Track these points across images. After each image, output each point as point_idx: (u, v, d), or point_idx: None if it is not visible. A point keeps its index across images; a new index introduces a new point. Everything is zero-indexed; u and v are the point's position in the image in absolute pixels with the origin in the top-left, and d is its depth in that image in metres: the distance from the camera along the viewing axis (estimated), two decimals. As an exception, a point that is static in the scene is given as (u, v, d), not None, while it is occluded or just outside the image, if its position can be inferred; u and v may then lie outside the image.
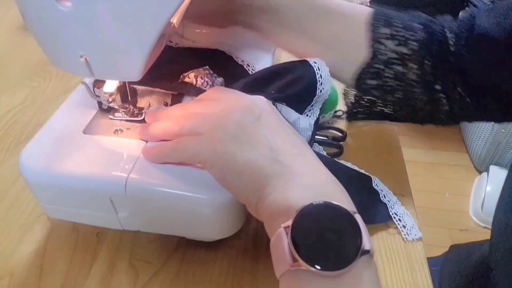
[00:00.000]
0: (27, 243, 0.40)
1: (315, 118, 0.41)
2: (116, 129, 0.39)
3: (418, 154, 1.71)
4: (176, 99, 0.41)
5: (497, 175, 1.45)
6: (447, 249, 0.64)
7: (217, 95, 0.35)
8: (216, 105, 0.34)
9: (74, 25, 0.30)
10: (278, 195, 0.28)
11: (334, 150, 0.49)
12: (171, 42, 0.47)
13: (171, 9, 0.29)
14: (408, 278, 0.37)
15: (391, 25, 0.41)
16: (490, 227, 0.43)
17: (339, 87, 0.54)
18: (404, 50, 0.40)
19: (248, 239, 0.40)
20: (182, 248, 0.39)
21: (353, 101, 0.46)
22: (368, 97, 0.43)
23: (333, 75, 0.45)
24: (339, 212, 0.26)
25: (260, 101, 0.34)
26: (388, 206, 0.41)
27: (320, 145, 0.49)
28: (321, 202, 0.26)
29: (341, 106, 0.54)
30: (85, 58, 0.32)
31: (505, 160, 1.52)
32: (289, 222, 0.26)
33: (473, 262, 0.54)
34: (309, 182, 0.29)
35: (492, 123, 1.48)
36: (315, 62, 0.41)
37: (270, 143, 0.30)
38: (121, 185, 0.34)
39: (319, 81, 0.40)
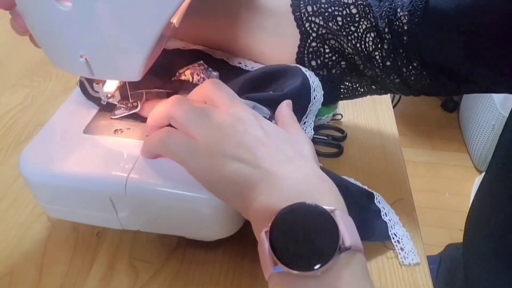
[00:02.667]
0: (27, 242, 0.40)
1: (310, 131, 0.40)
2: (116, 129, 0.39)
3: (418, 154, 1.71)
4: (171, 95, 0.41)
5: (497, 175, 1.45)
6: (446, 249, 0.65)
7: (212, 92, 0.35)
8: (208, 102, 0.34)
9: (74, 25, 0.30)
10: (262, 200, 0.29)
11: (334, 150, 0.49)
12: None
13: (171, 9, 0.29)
14: (408, 277, 0.37)
15: (315, 3, 0.41)
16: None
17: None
18: (332, 25, 0.41)
19: (247, 238, 0.40)
20: (182, 248, 0.39)
21: None
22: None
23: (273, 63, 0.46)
24: (316, 211, 0.26)
25: (245, 114, 0.34)
26: (388, 226, 0.40)
27: (319, 145, 0.49)
28: (299, 202, 0.26)
29: (340, 109, 0.54)
30: (85, 58, 0.32)
31: (505, 160, 1.52)
32: (267, 228, 0.26)
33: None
34: (291, 184, 0.29)
35: (492, 123, 1.49)
36: (306, 70, 0.41)
37: (255, 154, 0.30)
38: (121, 185, 0.34)
39: (312, 87, 0.40)
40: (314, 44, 0.41)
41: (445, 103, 1.93)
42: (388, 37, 0.40)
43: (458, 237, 1.39)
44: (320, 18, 0.41)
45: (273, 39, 0.43)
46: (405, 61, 0.40)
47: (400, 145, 0.51)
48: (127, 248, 0.39)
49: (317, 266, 0.24)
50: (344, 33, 0.40)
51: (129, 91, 0.39)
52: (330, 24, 0.40)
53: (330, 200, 0.28)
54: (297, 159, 0.31)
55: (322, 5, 0.41)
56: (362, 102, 0.57)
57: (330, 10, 0.40)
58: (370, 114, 0.55)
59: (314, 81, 0.41)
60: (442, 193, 1.56)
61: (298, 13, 0.41)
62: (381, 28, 0.40)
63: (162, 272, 0.38)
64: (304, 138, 0.34)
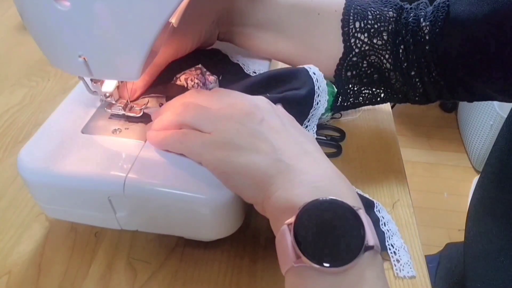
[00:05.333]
0: (25, 242, 0.40)
1: (313, 135, 0.40)
2: (115, 129, 0.39)
3: (417, 154, 1.71)
4: (170, 99, 0.41)
5: (495, 175, 1.46)
6: (445, 249, 0.65)
7: (218, 92, 0.36)
8: (217, 100, 0.34)
9: (72, 25, 0.30)
10: (282, 193, 0.28)
11: (333, 150, 0.49)
12: None
13: (170, 9, 0.29)
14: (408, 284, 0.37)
15: (363, 19, 0.42)
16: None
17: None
18: (377, 41, 0.42)
19: (246, 238, 0.40)
20: (181, 248, 0.39)
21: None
22: (349, 89, 0.45)
23: None
24: (343, 208, 0.26)
25: (261, 102, 0.34)
26: (385, 236, 0.40)
27: (318, 144, 0.49)
28: (325, 198, 0.26)
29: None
30: (84, 58, 0.32)
31: (503, 160, 1.52)
32: (292, 219, 0.26)
33: (461, 260, 0.55)
34: (313, 179, 0.29)
35: (491, 123, 1.49)
36: (314, 73, 0.41)
37: (273, 145, 0.30)
38: (120, 184, 0.34)
39: (316, 92, 0.40)
40: (354, 59, 0.43)
41: (443, 103, 1.93)
42: (412, 48, 0.41)
43: (456, 237, 1.39)
44: (366, 35, 0.42)
45: (313, 41, 0.43)
46: (426, 71, 0.41)
47: (399, 145, 0.51)
48: (126, 248, 0.39)
49: (343, 263, 0.24)
50: (389, 47, 0.42)
51: (128, 91, 0.39)
52: (375, 40, 0.42)
53: (351, 196, 0.28)
54: (315, 152, 0.31)
55: (369, 21, 0.42)
56: (361, 102, 0.57)
57: (376, 26, 0.42)
58: (369, 114, 0.55)
59: (321, 86, 0.40)
60: (441, 193, 1.57)
61: (346, 28, 0.42)
62: (406, 40, 0.41)
63: (160, 272, 0.38)
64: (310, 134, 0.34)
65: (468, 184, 1.57)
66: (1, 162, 0.48)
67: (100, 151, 0.36)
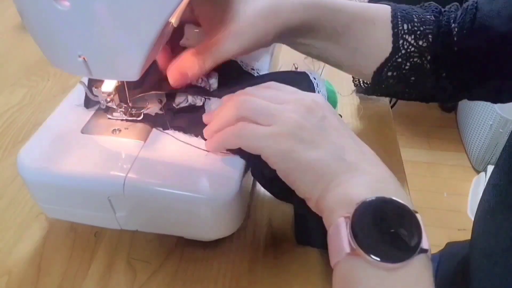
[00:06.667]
0: (25, 242, 0.40)
1: None
2: (114, 129, 0.39)
3: (416, 154, 1.72)
4: (170, 95, 0.41)
5: (495, 175, 1.46)
6: (445, 249, 0.65)
7: (275, 86, 0.36)
8: (275, 94, 0.34)
9: (72, 25, 0.30)
10: (341, 190, 0.29)
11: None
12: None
13: (170, 9, 0.29)
14: None
15: (410, 21, 0.43)
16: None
17: (339, 88, 0.55)
18: (422, 43, 0.43)
19: (246, 238, 0.40)
20: (180, 248, 0.39)
21: (364, 82, 0.52)
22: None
23: (353, 73, 0.50)
24: (401, 209, 0.27)
25: (320, 99, 0.34)
26: None
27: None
28: (385, 197, 0.27)
29: (340, 109, 0.54)
30: (83, 58, 0.32)
31: (503, 160, 1.53)
32: (350, 212, 0.26)
33: (462, 260, 0.55)
34: (374, 179, 0.29)
35: (490, 123, 1.49)
36: (314, 78, 0.41)
37: (335, 142, 0.31)
38: (119, 184, 0.34)
39: None
40: (399, 60, 0.43)
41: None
42: (442, 49, 0.42)
43: (456, 236, 1.39)
44: (412, 36, 0.43)
45: (365, 48, 0.44)
46: (455, 72, 0.43)
47: (399, 145, 0.51)
48: (125, 248, 0.39)
49: (398, 260, 0.24)
50: (432, 49, 0.42)
51: (127, 92, 0.39)
52: (420, 42, 0.42)
53: (406, 198, 0.29)
54: (372, 155, 0.32)
55: (416, 24, 0.43)
56: (361, 102, 0.57)
57: (422, 28, 0.42)
58: (369, 114, 0.55)
59: (321, 91, 0.41)
60: (440, 193, 1.57)
61: (396, 30, 0.43)
62: (438, 42, 0.42)
63: (160, 272, 0.38)
64: None
65: (468, 184, 1.58)
66: (1, 162, 0.48)
67: (99, 151, 0.36)
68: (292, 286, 0.37)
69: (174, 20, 0.36)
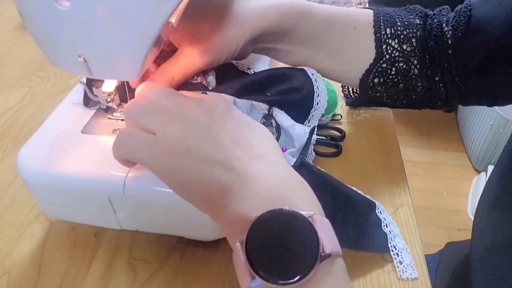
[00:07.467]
0: (25, 242, 0.40)
1: (311, 128, 0.40)
2: (115, 129, 0.39)
3: (417, 154, 1.71)
4: None
5: (495, 174, 1.46)
6: (445, 249, 0.65)
7: (171, 89, 0.34)
8: (167, 98, 0.32)
9: (72, 25, 0.30)
10: (234, 207, 0.27)
11: (333, 150, 0.49)
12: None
13: (170, 9, 0.29)
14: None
15: (393, 25, 0.42)
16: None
17: (340, 89, 0.55)
18: (407, 47, 0.42)
19: (246, 238, 0.40)
20: (181, 248, 0.39)
21: (354, 90, 0.50)
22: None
23: (339, 80, 0.48)
24: (293, 218, 0.25)
25: (214, 103, 0.31)
26: (388, 237, 0.39)
27: (318, 145, 0.49)
28: (274, 210, 0.25)
29: (340, 110, 0.54)
30: (84, 58, 0.32)
31: (503, 160, 1.53)
32: (243, 237, 0.25)
33: (462, 259, 0.55)
34: (264, 188, 0.27)
35: (491, 123, 1.49)
36: (312, 74, 0.41)
37: (224, 151, 0.28)
38: (120, 185, 0.34)
39: (316, 92, 0.40)
40: (384, 65, 0.42)
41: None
42: (435, 52, 0.42)
43: (456, 236, 1.39)
44: (396, 41, 0.42)
45: (347, 53, 0.43)
46: (449, 76, 0.42)
47: (399, 144, 0.51)
48: (126, 248, 0.39)
49: (297, 278, 0.23)
50: (418, 53, 0.42)
51: (127, 92, 0.39)
52: (404, 46, 0.42)
53: (306, 203, 0.27)
54: (270, 155, 0.29)
55: (399, 28, 0.42)
56: (361, 102, 0.57)
57: (405, 32, 0.42)
58: (369, 114, 0.55)
59: (319, 86, 0.40)
60: (441, 192, 1.57)
61: (378, 34, 0.42)
62: (429, 45, 0.42)
63: (160, 272, 0.38)
64: (267, 131, 0.32)
65: (468, 183, 1.57)
66: (1, 162, 0.48)
67: (100, 151, 0.36)
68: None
69: (174, 20, 0.36)
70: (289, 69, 0.42)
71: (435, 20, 0.42)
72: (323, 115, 0.52)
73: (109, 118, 0.40)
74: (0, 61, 0.66)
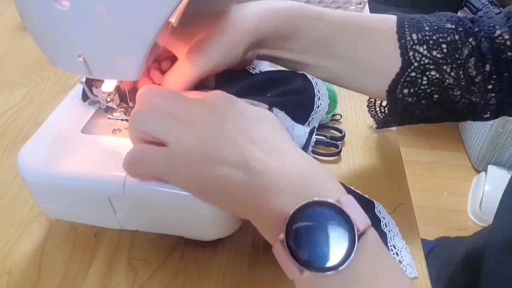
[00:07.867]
0: (25, 242, 0.40)
1: (311, 129, 0.40)
2: (115, 129, 0.39)
3: (417, 154, 1.72)
4: None
5: (495, 174, 1.46)
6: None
7: (172, 93, 0.33)
8: (172, 103, 0.31)
9: (72, 25, 0.30)
10: (263, 209, 0.28)
11: (332, 149, 0.49)
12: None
13: (170, 9, 0.29)
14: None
15: (420, 30, 0.39)
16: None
17: (340, 89, 0.55)
18: (436, 54, 0.39)
19: (246, 238, 0.40)
20: (181, 248, 0.39)
21: (382, 110, 0.47)
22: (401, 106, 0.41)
23: (358, 90, 0.44)
24: (325, 207, 0.26)
25: (219, 102, 0.31)
26: (387, 237, 0.39)
27: (318, 144, 0.49)
28: (306, 203, 0.26)
29: (340, 110, 0.54)
30: (83, 58, 0.32)
31: (503, 160, 1.53)
32: (282, 235, 0.26)
33: (458, 256, 0.55)
34: (288, 181, 0.28)
35: (490, 122, 1.49)
36: (312, 78, 0.41)
37: (241, 150, 0.28)
38: (120, 184, 0.34)
39: (316, 95, 0.40)
40: (413, 74, 0.39)
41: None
42: (489, 57, 0.38)
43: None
44: (425, 47, 0.38)
45: (364, 60, 0.40)
46: (507, 82, 0.38)
47: (399, 144, 0.51)
48: (126, 248, 0.39)
49: (342, 264, 0.24)
50: (449, 60, 0.38)
51: (127, 92, 0.39)
52: (434, 53, 0.38)
53: (328, 186, 0.28)
54: (283, 146, 0.30)
55: (427, 33, 0.39)
56: (361, 102, 0.57)
57: (434, 37, 0.38)
58: (369, 113, 0.55)
59: (320, 89, 0.40)
60: (441, 192, 1.57)
61: (403, 41, 0.39)
62: (484, 49, 0.38)
63: (160, 272, 0.38)
64: (271, 114, 0.32)
65: (468, 183, 1.57)
66: (1, 162, 0.48)
67: (100, 151, 0.36)
68: (292, 286, 0.37)
69: (174, 20, 0.36)
70: (290, 72, 0.42)
71: (485, 22, 0.39)
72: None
73: (109, 118, 0.40)
74: (0, 61, 0.66)
